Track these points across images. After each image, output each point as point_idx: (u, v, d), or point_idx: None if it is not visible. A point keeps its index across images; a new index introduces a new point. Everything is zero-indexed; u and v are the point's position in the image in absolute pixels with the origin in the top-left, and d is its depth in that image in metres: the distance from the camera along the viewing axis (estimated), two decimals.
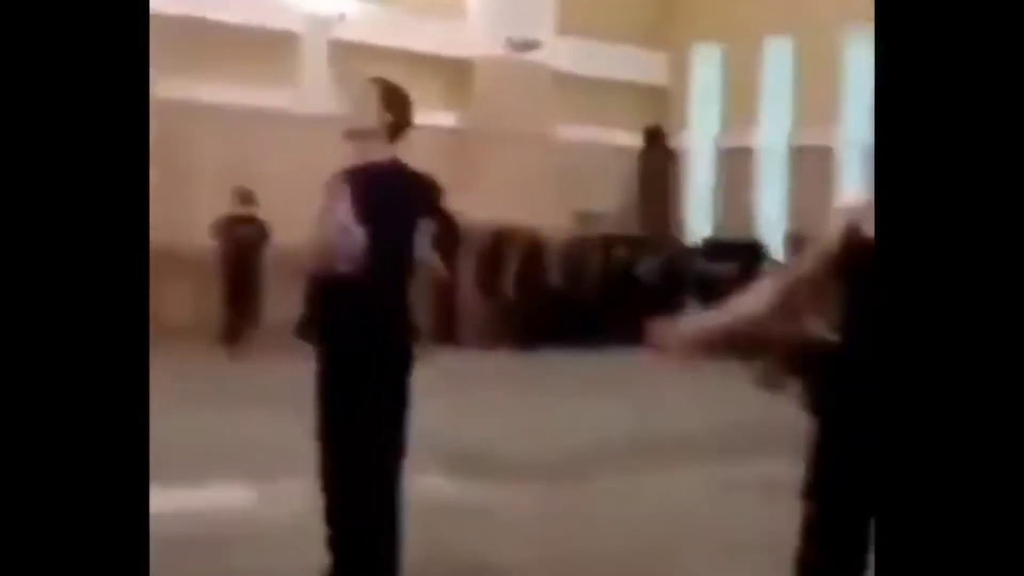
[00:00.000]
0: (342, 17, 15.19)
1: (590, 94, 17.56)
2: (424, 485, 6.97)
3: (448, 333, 15.26)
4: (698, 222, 17.90)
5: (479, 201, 15.88)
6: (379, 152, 4.56)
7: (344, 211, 4.36)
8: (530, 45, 16.57)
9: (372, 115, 4.58)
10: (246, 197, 13.39)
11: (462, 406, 9.71)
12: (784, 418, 10.17)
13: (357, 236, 4.32)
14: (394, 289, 4.48)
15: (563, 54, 16.85)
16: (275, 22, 14.97)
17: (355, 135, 4.59)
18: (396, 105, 4.65)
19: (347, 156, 4.64)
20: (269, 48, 15.03)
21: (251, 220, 13.31)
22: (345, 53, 15.35)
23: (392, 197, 4.48)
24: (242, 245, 13.33)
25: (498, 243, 15.82)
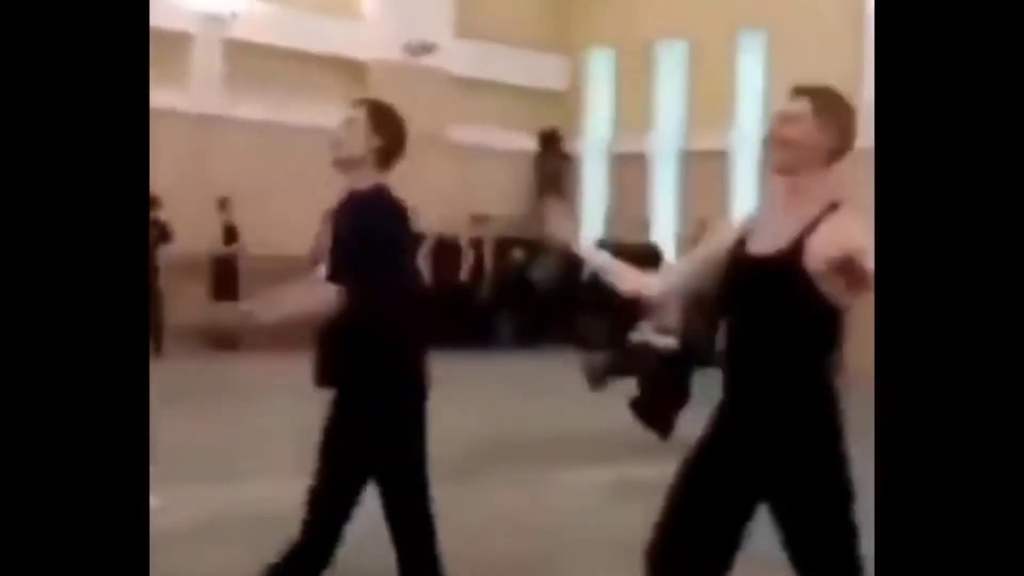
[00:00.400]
0: (234, 15, 15.02)
1: (486, 98, 17.59)
2: None
3: None
4: (592, 226, 17.99)
5: None
6: (366, 180, 4.23)
7: (323, 251, 4.16)
8: (426, 48, 16.55)
9: (360, 141, 4.22)
10: (151, 201, 13.31)
11: None
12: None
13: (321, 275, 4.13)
14: (389, 321, 4.11)
15: (459, 57, 16.86)
16: (167, 21, 14.74)
17: (342, 164, 4.24)
18: (386, 129, 4.29)
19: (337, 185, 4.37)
20: (162, 47, 14.78)
21: (155, 223, 13.35)
22: (239, 52, 15.19)
23: (366, 228, 4.12)
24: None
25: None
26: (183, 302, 13.59)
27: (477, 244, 16.67)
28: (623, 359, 9.23)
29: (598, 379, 9.16)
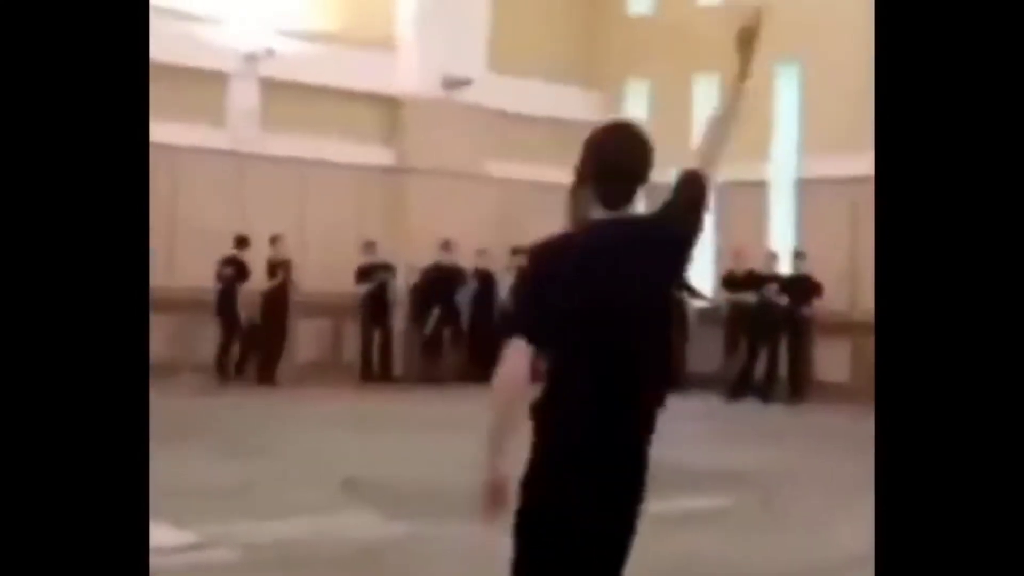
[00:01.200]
0: (270, 53, 15.13)
1: (521, 131, 17.60)
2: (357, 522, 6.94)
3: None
4: None
5: (414, 238, 15.90)
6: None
7: None
8: (462, 83, 16.62)
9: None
10: (241, 241, 14.58)
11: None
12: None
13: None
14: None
15: (494, 91, 16.90)
16: (205, 61, 14.87)
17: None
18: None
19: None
20: (199, 86, 14.92)
21: (233, 261, 14.58)
22: (275, 90, 15.30)
23: None
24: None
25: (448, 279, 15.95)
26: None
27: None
28: None
29: None
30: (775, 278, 15.44)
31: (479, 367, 15.11)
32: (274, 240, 14.91)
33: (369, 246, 15.54)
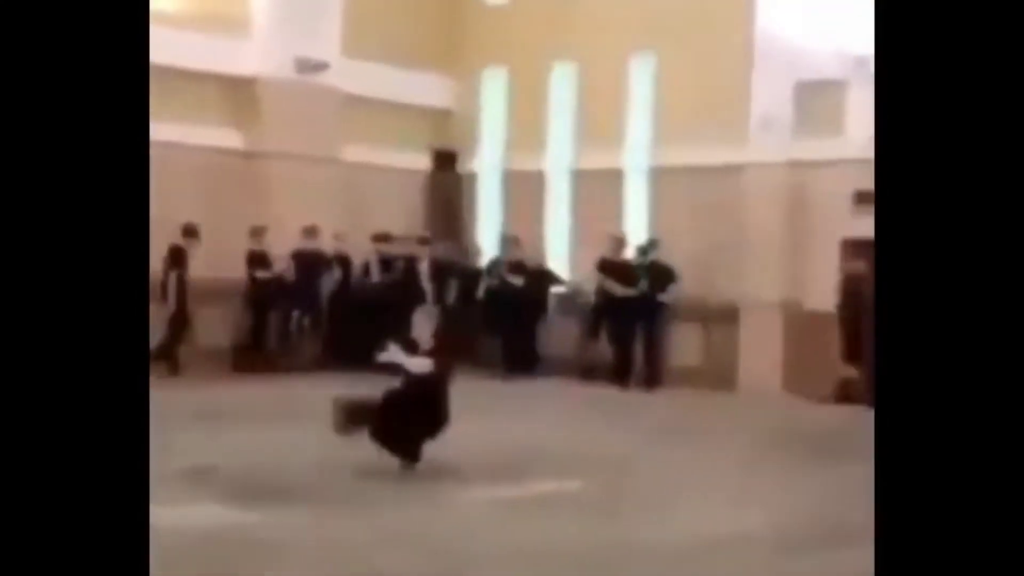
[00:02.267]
0: None
1: (376, 116, 17.50)
2: (200, 513, 6.86)
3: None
4: (487, 244, 17.95)
5: (268, 221, 15.68)
6: None
7: None
8: (317, 66, 16.43)
9: None
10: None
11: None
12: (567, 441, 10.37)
13: None
14: None
15: (350, 76, 16.76)
16: None
17: None
18: None
19: None
20: None
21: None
22: None
23: None
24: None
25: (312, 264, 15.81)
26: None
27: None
28: (370, 406, 8.36)
29: (343, 427, 8.28)
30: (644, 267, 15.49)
31: (338, 355, 15.04)
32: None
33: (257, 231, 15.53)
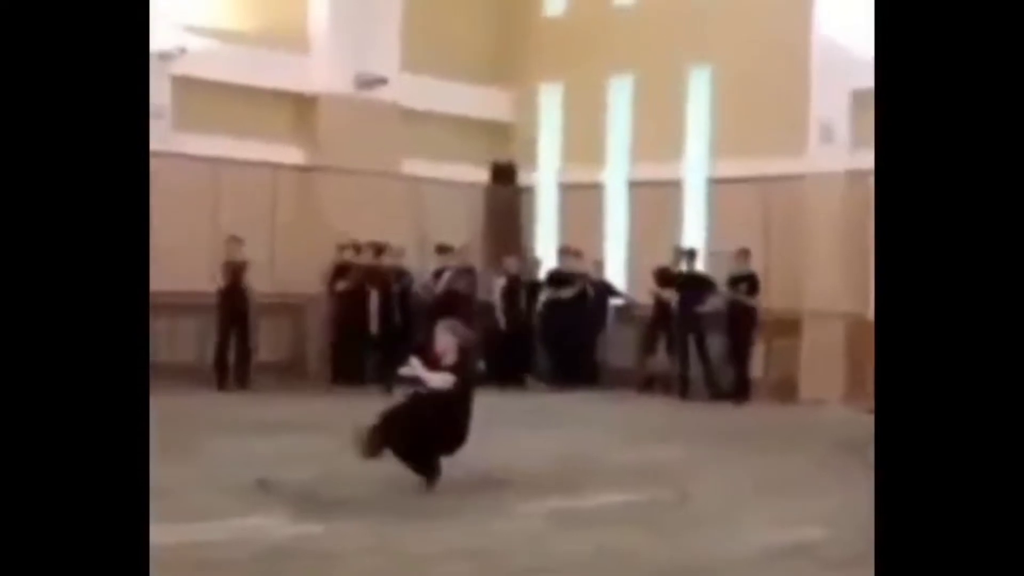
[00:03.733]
0: (182, 51, 14.95)
1: (435, 131, 17.62)
2: (265, 524, 6.93)
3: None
4: (546, 257, 17.96)
5: (328, 236, 15.82)
6: None
7: None
8: (376, 81, 16.57)
9: None
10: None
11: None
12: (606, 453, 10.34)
13: None
14: None
15: (408, 90, 16.89)
16: None
17: None
18: None
19: None
20: None
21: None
22: (186, 89, 15.13)
23: None
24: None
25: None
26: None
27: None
28: (391, 422, 8.13)
29: (367, 448, 8.06)
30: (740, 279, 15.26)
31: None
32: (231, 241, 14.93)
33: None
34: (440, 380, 8.17)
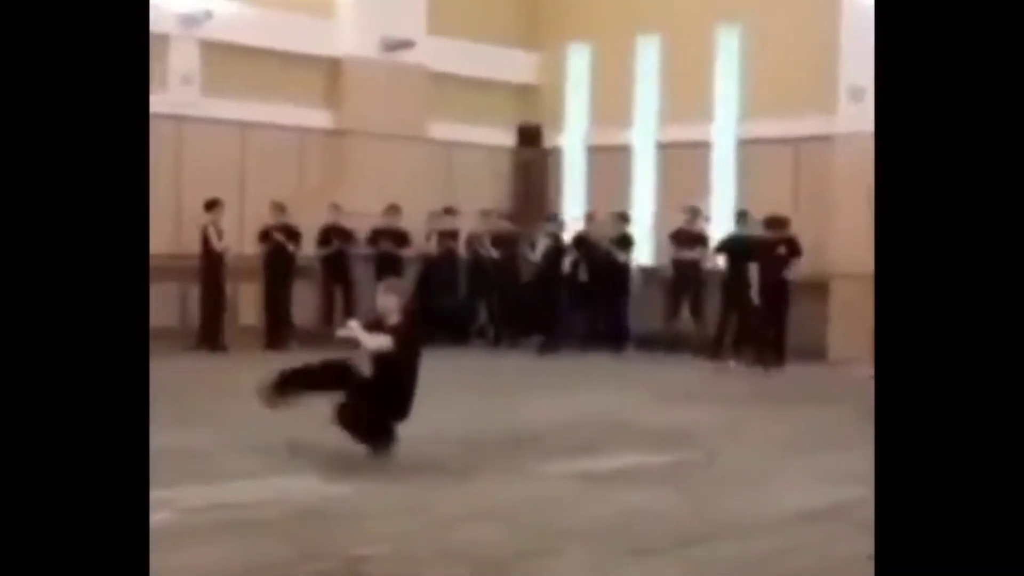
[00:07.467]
0: (208, 16, 14.94)
1: (463, 93, 17.57)
2: (296, 486, 6.98)
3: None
4: (574, 218, 17.92)
5: (356, 200, 15.84)
6: None
7: None
8: (403, 45, 16.53)
9: None
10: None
11: None
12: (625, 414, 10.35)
13: None
14: None
15: (435, 53, 16.84)
16: None
17: None
18: None
19: None
20: None
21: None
22: (214, 53, 15.14)
23: None
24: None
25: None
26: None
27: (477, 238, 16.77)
28: (307, 371, 7.85)
29: (269, 396, 7.79)
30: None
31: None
32: (210, 205, 14.71)
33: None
34: (377, 342, 7.66)
